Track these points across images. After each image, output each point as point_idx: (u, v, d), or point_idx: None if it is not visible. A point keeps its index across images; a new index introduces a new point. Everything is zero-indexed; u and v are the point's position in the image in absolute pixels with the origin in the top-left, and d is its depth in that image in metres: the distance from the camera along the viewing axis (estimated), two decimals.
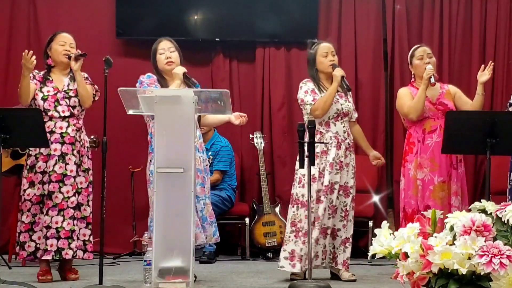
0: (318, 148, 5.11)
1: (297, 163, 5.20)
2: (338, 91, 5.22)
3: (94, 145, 5.59)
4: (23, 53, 4.93)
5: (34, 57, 4.93)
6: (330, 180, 5.10)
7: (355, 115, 5.40)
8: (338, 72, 5.16)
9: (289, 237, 5.17)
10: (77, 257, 5.14)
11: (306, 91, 5.23)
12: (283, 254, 5.18)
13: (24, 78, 5.02)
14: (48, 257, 5.06)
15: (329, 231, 5.15)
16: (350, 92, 5.37)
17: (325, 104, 5.14)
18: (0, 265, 5.90)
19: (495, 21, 7.11)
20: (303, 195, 5.12)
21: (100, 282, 4.55)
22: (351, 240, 5.23)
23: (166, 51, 5.17)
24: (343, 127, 5.21)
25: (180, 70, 5.09)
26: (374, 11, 7.21)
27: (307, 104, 5.20)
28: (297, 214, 5.16)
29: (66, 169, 5.11)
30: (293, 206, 5.20)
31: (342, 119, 5.22)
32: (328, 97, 5.14)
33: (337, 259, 5.18)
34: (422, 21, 7.19)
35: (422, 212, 5.11)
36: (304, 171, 5.07)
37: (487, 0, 7.11)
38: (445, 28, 7.13)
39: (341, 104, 5.23)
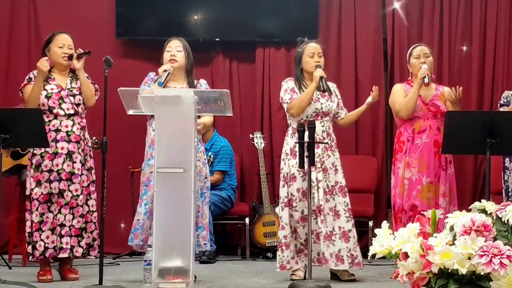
0: (297, 147, 5.11)
1: (282, 162, 5.23)
2: (320, 91, 5.22)
3: (96, 146, 5.58)
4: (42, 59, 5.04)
5: (48, 61, 5.06)
6: (316, 177, 5.10)
7: (343, 112, 5.37)
8: (318, 73, 5.16)
9: (287, 237, 5.17)
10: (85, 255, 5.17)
11: (286, 89, 5.26)
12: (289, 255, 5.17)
13: (38, 83, 5.07)
14: (64, 255, 5.07)
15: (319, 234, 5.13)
16: (337, 92, 5.37)
17: (301, 104, 5.15)
18: (0, 265, 5.89)
19: (495, 21, 7.11)
20: (288, 194, 5.16)
21: (100, 282, 4.55)
22: (338, 231, 5.11)
23: (173, 49, 5.18)
24: (322, 126, 5.19)
25: (162, 68, 5.12)
26: (374, 11, 7.21)
27: (284, 103, 5.23)
28: (286, 214, 5.17)
29: (73, 168, 5.12)
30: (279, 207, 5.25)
31: (322, 118, 5.21)
32: (305, 97, 5.15)
33: (356, 260, 5.09)
34: (422, 21, 7.20)
35: (407, 211, 5.19)
36: (285, 170, 5.16)
37: (487, 0, 7.12)
38: (445, 28, 7.13)
39: (321, 104, 5.22)
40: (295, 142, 5.01)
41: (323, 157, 5.15)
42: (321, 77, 5.15)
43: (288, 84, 5.29)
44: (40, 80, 5.08)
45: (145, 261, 4.58)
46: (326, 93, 5.24)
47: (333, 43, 7.13)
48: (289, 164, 5.18)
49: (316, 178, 5.08)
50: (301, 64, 5.29)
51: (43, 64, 5.04)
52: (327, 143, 5.16)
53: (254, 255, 6.75)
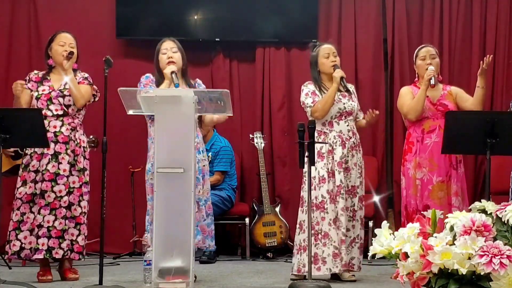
0: (324, 148, 5.11)
1: (306, 166, 5.20)
2: (341, 91, 5.23)
3: (93, 145, 5.58)
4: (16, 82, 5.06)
5: (22, 84, 5.07)
6: (341, 179, 5.11)
7: (360, 115, 5.39)
8: (338, 73, 5.17)
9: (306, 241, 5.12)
10: (66, 256, 5.13)
11: (307, 93, 5.25)
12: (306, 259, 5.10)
13: (16, 100, 5.10)
14: (39, 256, 5.05)
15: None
16: (354, 92, 5.38)
17: (324, 106, 5.15)
18: (0, 265, 5.89)
19: (495, 21, 7.11)
20: (316, 198, 5.11)
21: (100, 282, 4.55)
22: (358, 240, 5.20)
23: (169, 51, 5.17)
24: (347, 126, 5.20)
25: (169, 69, 5.10)
26: (374, 11, 7.21)
27: (307, 107, 5.22)
28: (312, 217, 5.05)
29: (59, 168, 5.09)
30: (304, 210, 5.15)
31: (346, 118, 5.22)
32: (328, 98, 5.15)
33: (343, 262, 5.11)
34: (422, 21, 7.20)
35: (421, 211, 5.18)
36: (313, 173, 5.07)
37: (487, 0, 7.12)
38: (445, 28, 7.13)
39: (344, 104, 5.23)
40: (320, 143, 5.02)
41: (347, 156, 5.16)
42: (342, 77, 5.16)
43: (309, 87, 5.28)
44: (17, 101, 5.09)
45: (145, 261, 4.58)
46: (347, 93, 5.25)
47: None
48: (316, 167, 5.13)
49: (340, 181, 5.10)
50: (317, 66, 5.28)
51: (15, 87, 5.05)
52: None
53: (254, 255, 6.75)
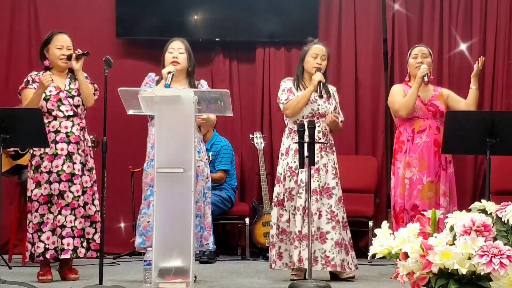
0: (293, 146, 5.13)
1: (279, 162, 5.25)
2: (317, 95, 5.22)
3: (93, 144, 5.59)
4: (45, 73, 5.01)
5: (50, 74, 5.03)
6: (301, 178, 5.09)
7: (338, 117, 5.30)
8: (316, 77, 5.16)
9: (274, 237, 5.23)
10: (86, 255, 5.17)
11: (283, 89, 5.28)
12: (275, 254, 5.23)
13: (38, 96, 5.05)
14: (66, 256, 5.06)
15: (315, 234, 5.07)
16: (335, 95, 5.36)
17: (297, 105, 5.16)
18: (0, 265, 5.89)
19: (495, 21, 7.11)
20: (278, 194, 5.20)
21: (100, 282, 4.55)
22: (346, 242, 5.16)
23: (175, 51, 5.18)
24: (318, 127, 5.16)
25: (166, 69, 5.12)
26: (374, 11, 7.21)
27: (280, 103, 5.25)
28: (275, 213, 5.23)
29: (74, 169, 5.11)
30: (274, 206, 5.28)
31: (318, 119, 5.20)
32: (301, 99, 5.16)
33: (333, 262, 5.08)
34: (422, 21, 7.19)
35: (409, 211, 5.21)
36: (279, 170, 5.21)
37: (487, 0, 7.11)
38: (445, 28, 7.13)
39: (318, 105, 5.22)
40: (294, 142, 5.01)
41: (319, 158, 5.15)
42: (319, 82, 5.15)
43: (286, 84, 5.31)
44: (40, 94, 5.05)
45: (145, 261, 4.59)
46: (325, 95, 5.25)
47: (333, 43, 7.13)
48: (283, 164, 5.20)
49: (301, 180, 5.09)
50: (303, 62, 5.29)
51: (47, 79, 4.99)
52: (326, 143, 5.16)
53: (254, 255, 6.75)
